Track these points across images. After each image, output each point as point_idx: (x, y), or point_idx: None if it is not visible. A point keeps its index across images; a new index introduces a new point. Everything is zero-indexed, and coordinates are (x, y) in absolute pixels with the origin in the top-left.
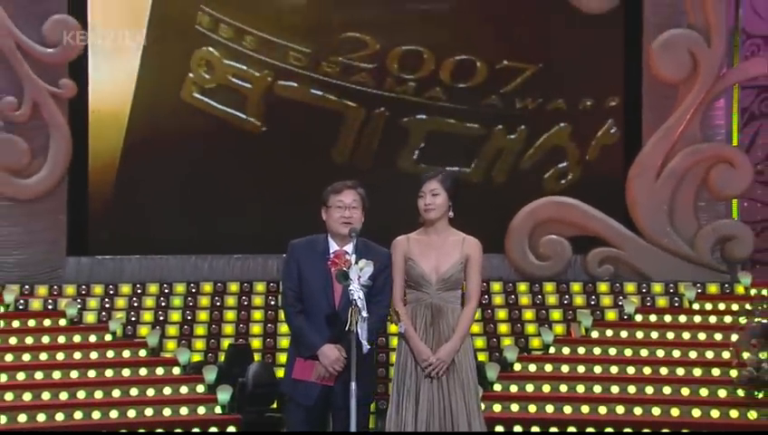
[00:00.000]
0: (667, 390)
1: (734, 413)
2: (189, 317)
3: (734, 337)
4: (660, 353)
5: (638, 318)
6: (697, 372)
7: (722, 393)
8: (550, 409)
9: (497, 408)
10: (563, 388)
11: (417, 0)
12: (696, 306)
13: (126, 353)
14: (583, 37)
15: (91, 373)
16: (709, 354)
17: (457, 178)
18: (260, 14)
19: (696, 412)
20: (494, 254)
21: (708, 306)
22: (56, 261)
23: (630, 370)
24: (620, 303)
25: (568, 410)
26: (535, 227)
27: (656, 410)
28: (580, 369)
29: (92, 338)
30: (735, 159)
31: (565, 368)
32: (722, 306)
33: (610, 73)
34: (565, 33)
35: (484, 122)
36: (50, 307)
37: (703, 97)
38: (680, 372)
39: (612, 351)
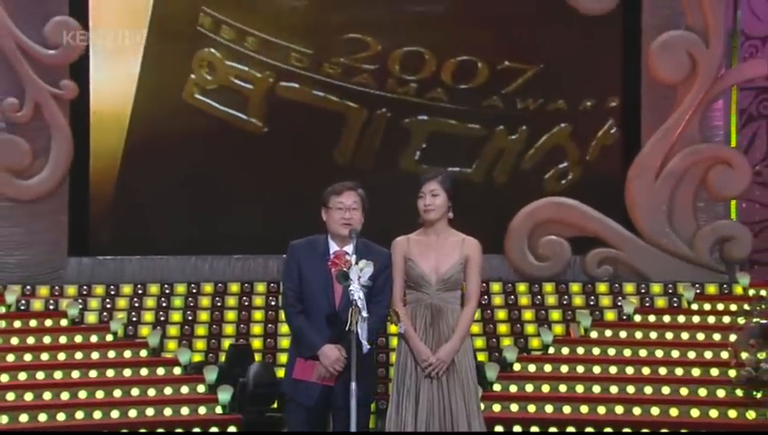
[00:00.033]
0: (665, 390)
1: (732, 413)
2: (190, 317)
3: (733, 337)
4: (659, 354)
5: (637, 318)
6: (696, 372)
7: (720, 393)
8: (549, 409)
9: (497, 408)
10: (562, 388)
11: (418, 1)
12: (694, 307)
13: (127, 354)
14: (583, 39)
15: (93, 373)
16: (708, 354)
17: (457, 179)
18: (262, 15)
19: (695, 412)
20: (494, 254)
21: (707, 307)
22: (57, 262)
23: (629, 370)
24: (619, 303)
25: (567, 410)
26: (535, 228)
27: (654, 410)
28: (580, 369)
29: (94, 338)
30: (734, 159)
31: (564, 368)
32: (720, 307)
33: (610, 75)
34: (565, 34)
35: (485, 123)
36: (51, 308)
37: (701, 98)
38: (679, 372)
39: (611, 351)
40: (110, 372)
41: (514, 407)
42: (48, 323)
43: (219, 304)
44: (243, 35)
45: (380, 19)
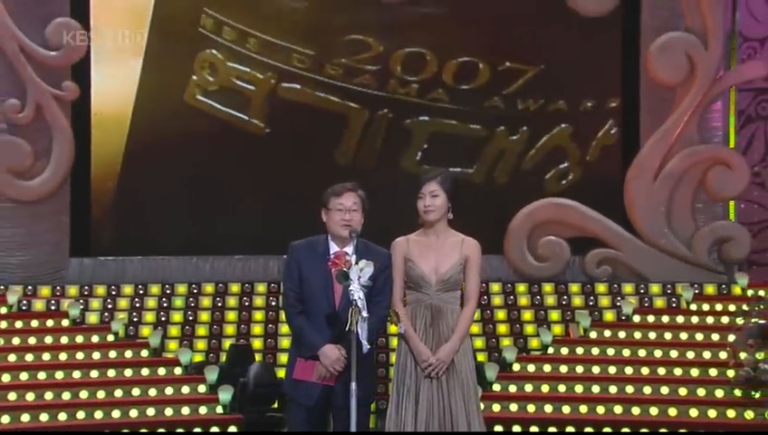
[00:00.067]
0: (664, 390)
1: (731, 413)
2: (191, 318)
3: (732, 337)
4: (658, 354)
5: (636, 319)
6: (695, 372)
7: (719, 393)
8: (548, 409)
9: (496, 408)
10: (562, 388)
11: (419, 3)
12: (693, 307)
13: (128, 354)
14: (583, 40)
15: (94, 373)
16: (706, 355)
17: (457, 180)
18: (263, 16)
19: (694, 412)
20: (494, 255)
21: (706, 307)
22: (59, 262)
23: (628, 370)
24: (618, 303)
25: (566, 409)
26: (534, 229)
27: (653, 410)
28: (579, 369)
29: (95, 338)
30: (732, 161)
31: (564, 368)
32: (719, 307)
33: (609, 76)
34: (565, 35)
35: (486, 124)
36: (53, 308)
37: (700, 100)
38: (678, 372)
39: (610, 351)
40: (111, 372)
41: (514, 407)
42: (49, 323)
43: (220, 304)
44: (244, 37)
45: (382, 20)
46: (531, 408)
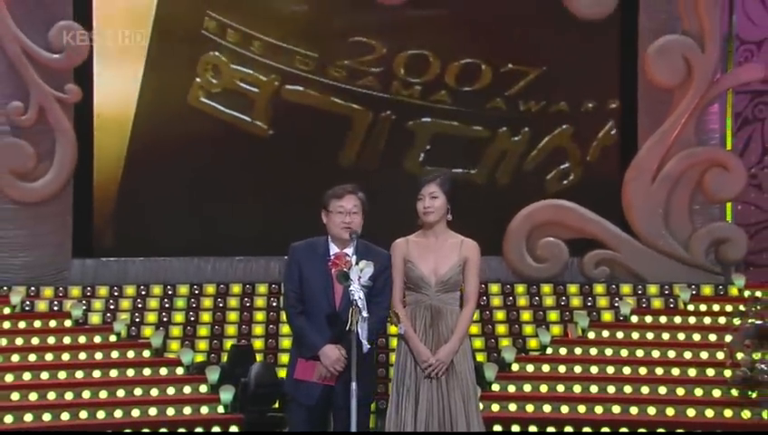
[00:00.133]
0: (662, 390)
1: (728, 413)
2: (192, 318)
3: (728, 338)
4: (656, 354)
5: (634, 319)
6: (692, 372)
7: (716, 393)
8: (547, 408)
9: (495, 407)
10: (560, 388)
11: (422, 5)
12: (690, 307)
13: (130, 354)
14: (582, 43)
15: (96, 374)
16: (704, 355)
17: (456, 181)
18: (267, 19)
19: (691, 412)
20: (493, 256)
21: (703, 307)
22: (62, 263)
23: (626, 370)
24: (616, 304)
25: (565, 409)
26: (533, 230)
27: (651, 410)
28: (577, 369)
29: (97, 339)
30: (729, 162)
31: (562, 368)
32: (716, 307)
33: (607, 78)
34: (565, 38)
35: (488, 125)
36: (55, 308)
37: (697, 102)
38: (675, 372)
39: (608, 351)
40: (113, 373)
41: (513, 407)
42: (52, 323)
43: (221, 304)
44: (248, 39)
45: (385, 22)
46: (529, 408)
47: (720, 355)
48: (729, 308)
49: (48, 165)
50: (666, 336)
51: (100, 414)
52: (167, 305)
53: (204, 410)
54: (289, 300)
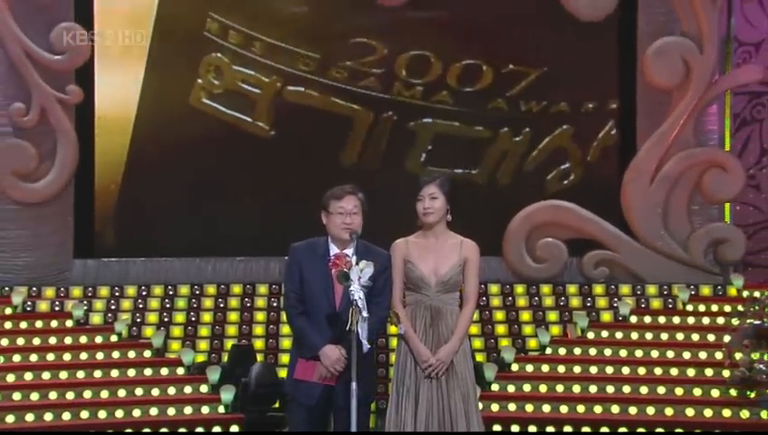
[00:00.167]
0: (661, 389)
1: (726, 412)
2: (193, 318)
3: (727, 338)
4: (654, 354)
5: (633, 319)
6: (691, 372)
7: (715, 393)
8: (546, 408)
9: (495, 407)
10: (560, 388)
11: (422, 7)
12: (689, 308)
13: (131, 354)
14: (582, 44)
15: (97, 373)
16: (702, 355)
17: (455, 182)
18: (269, 20)
19: (690, 412)
20: (492, 256)
21: (701, 308)
22: (63, 263)
23: (625, 370)
24: (615, 304)
25: (564, 409)
26: (532, 231)
27: (650, 410)
28: (577, 369)
29: (98, 339)
30: (728, 163)
31: (561, 368)
32: (715, 308)
33: (607, 79)
34: (565, 39)
35: (489, 125)
36: (57, 309)
37: (696, 103)
38: (674, 372)
39: (608, 351)
40: (114, 373)
41: (512, 407)
42: (54, 324)
43: (222, 305)
44: (250, 40)
45: (387, 24)
46: (529, 408)
47: (719, 355)
48: (728, 308)
49: (49, 165)
50: (664, 336)
51: (102, 414)
52: (168, 306)
53: (204, 409)
54: (289, 300)
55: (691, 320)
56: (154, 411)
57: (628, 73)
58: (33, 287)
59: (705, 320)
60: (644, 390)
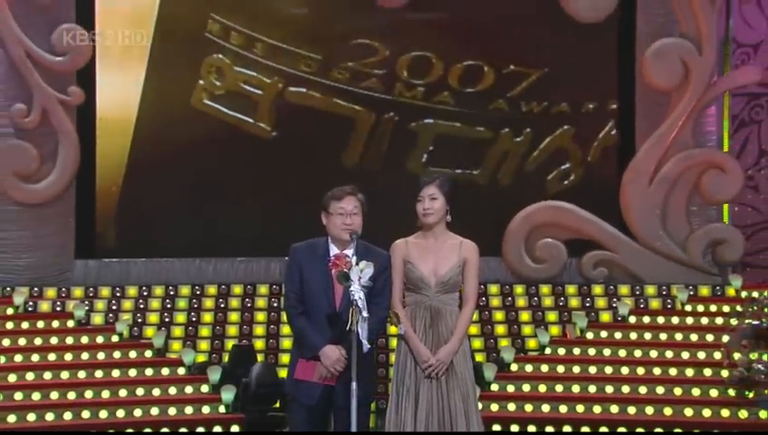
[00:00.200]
0: (660, 389)
1: (725, 412)
2: (194, 319)
3: (726, 338)
4: (653, 354)
5: (632, 320)
6: (690, 372)
7: (713, 393)
8: (546, 408)
9: (494, 407)
10: (559, 388)
11: (422, 8)
12: (688, 308)
13: (132, 354)
14: (581, 45)
15: (99, 373)
16: (701, 355)
17: (455, 182)
18: (270, 21)
19: (689, 411)
20: (492, 257)
21: (700, 308)
22: (64, 264)
23: (624, 370)
24: (614, 304)
25: (563, 409)
26: (531, 231)
27: (649, 410)
28: (576, 369)
29: (100, 339)
30: (726, 164)
31: (561, 368)
32: (713, 308)
33: (607, 80)
34: (565, 40)
35: (490, 126)
36: (58, 309)
37: (694, 104)
38: (673, 372)
39: (607, 351)
40: (115, 373)
41: (512, 406)
42: (55, 324)
43: (223, 305)
44: (251, 41)
45: (388, 25)
46: (528, 407)
47: (717, 355)
48: (726, 309)
49: (51, 166)
50: (663, 337)
51: (103, 414)
52: (168, 306)
53: (205, 409)
54: (289, 301)
55: (690, 320)
56: (155, 411)
57: (627, 75)
58: (35, 288)
59: (704, 320)
60: (643, 390)
